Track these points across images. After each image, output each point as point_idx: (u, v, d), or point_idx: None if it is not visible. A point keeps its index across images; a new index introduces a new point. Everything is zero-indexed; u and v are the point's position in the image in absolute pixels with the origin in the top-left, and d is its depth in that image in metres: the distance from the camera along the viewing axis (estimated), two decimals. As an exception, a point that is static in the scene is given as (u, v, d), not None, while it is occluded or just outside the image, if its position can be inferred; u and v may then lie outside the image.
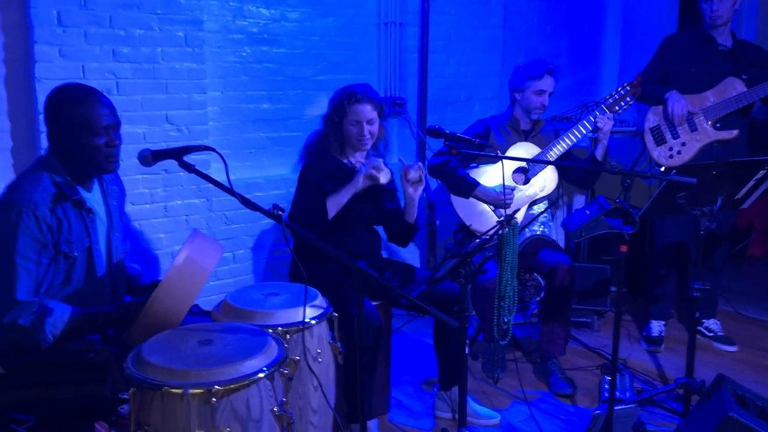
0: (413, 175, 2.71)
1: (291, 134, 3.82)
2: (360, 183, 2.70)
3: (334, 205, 2.71)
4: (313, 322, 2.09)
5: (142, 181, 3.28)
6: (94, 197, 2.17)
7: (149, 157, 1.90)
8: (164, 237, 3.39)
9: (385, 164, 2.85)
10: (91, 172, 2.12)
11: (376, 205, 2.92)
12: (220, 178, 1.91)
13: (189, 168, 1.86)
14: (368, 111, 2.78)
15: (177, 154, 1.89)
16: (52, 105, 2.07)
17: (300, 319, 2.04)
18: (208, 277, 1.98)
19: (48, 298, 2.00)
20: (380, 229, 3.06)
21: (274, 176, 3.74)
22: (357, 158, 2.92)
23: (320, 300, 2.20)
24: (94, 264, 2.12)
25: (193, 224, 3.43)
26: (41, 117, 2.78)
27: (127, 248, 2.39)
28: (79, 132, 2.02)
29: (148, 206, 3.31)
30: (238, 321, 2.05)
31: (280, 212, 1.82)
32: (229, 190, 1.81)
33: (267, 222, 3.71)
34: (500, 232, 2.24)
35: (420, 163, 2.75)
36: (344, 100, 2.80)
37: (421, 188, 2.75)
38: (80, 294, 2.09)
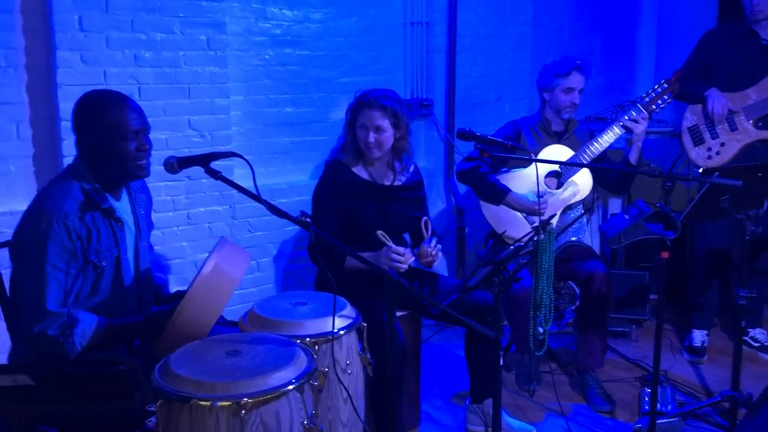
0: (426, 261, 2.75)
1: (315, 138, 3.80)
2: (382, 265, 2.68)
3: (352, 262, 2.73)
4: (342, 332, 2.09)
5: (165, 188, 3.28)
6: (122, 206, 2.19)
7: (175, 165, 1.93)
8: (187, 245, 3.40)
9: (411, 171, 2.88)
10: (121, 178, 2.14)
11: (397, 215, 2.91)
12: (245, 184, 1.93)
13: (215, 175, 1.88)
14: (376, 117, 2.77)
15: (203, 160, 1.90)
16: (81, 111, 2.10)
17: (329, 329, 2.04)
18: (236, 286, 2.00)
19: (75, 308, 2.02)
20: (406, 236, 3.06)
21: (297, 182, 3.74)
22: (376, 168, 2.89)
23: (349, 309, 2.21)
24: (122, 274, 2.13)
25: (216, 232, 3.43)
26: (63, 124, 2.95)
27: (153, 257, 2.37)
28: (108, 138, 2.05)
29: (170, 214, 3.33)
30: (266, 331, 2.06)
31: (308, 219, 1.85)
32: (256, 197, 1.83)
33: (291, 229, 3.70)
34: (536, 238, 2.21)
35: (438, 247, 2.75)
36: (357, 102, 2.83)
37: (435, 264, 2.79)
38: (107, 304, 2.10)
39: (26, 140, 3.03)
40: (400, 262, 2.65)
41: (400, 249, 2.65)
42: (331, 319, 2.04)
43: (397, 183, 2.90)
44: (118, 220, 2.11)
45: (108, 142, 2.05)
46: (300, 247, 3.78)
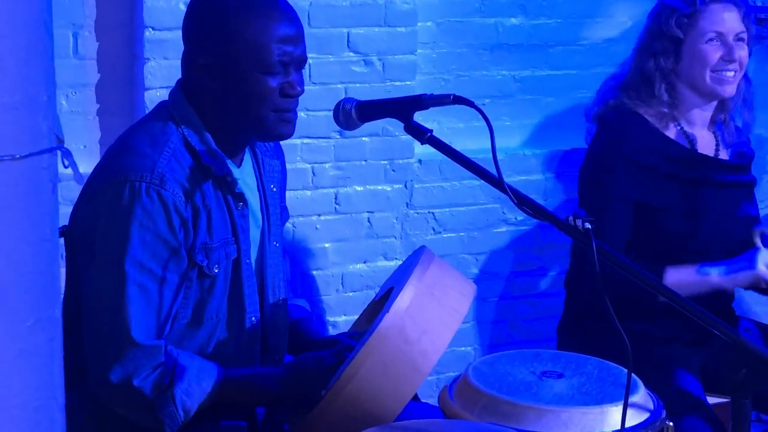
0: None
1: (556, 73, 3.31)
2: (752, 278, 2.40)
3: (678, 281, 2.31)
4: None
5: (300, 150, 2.92)
6: (245, 177, 1.96)
7: (352, 113, 1.74)
8: (331, 248, 3.04)
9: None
10: (246, 136, 1.94)
11: (718, 213, 2.47)
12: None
13: (423, 137, 1.69)
14: (734, 17, 2.38)
15: (405, 109, 1.73)
16: (203, 12, 1.88)
17: (610, 428, 1.73)
18: (449, 340, 1.81)
19: (173, 343, 1.88)
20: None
21: (521, 150, 3.27)
22: (694, 126, 2.45)
23: (642, 394, 1.91)
24: (243, 290, 1.91)
25: (379, 229, 3.08)
26: (148, 34, 2.66)
27: (286, 268, 2.12)
28: (243, 67, 1.83)
29: (308, 193, 2.97)
30: (493, 420, 1.81)
31: (588, 225, 1.57)
32: (498, 182, 1.58)
33: (504, 230, 3.23)
34: None
35: None
36: None
37: None
38: (217, 345, 1.89)
39: (88, 58, 2.77)
40: None
41: None
42: (612, 408, 1.74)
43: (721, 155, 2.52)
44: (239, 198, 1.89)
45: (237, 74, 1.82)
46: (523, 265, 3.28)
